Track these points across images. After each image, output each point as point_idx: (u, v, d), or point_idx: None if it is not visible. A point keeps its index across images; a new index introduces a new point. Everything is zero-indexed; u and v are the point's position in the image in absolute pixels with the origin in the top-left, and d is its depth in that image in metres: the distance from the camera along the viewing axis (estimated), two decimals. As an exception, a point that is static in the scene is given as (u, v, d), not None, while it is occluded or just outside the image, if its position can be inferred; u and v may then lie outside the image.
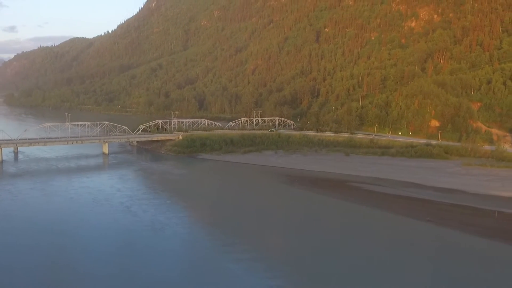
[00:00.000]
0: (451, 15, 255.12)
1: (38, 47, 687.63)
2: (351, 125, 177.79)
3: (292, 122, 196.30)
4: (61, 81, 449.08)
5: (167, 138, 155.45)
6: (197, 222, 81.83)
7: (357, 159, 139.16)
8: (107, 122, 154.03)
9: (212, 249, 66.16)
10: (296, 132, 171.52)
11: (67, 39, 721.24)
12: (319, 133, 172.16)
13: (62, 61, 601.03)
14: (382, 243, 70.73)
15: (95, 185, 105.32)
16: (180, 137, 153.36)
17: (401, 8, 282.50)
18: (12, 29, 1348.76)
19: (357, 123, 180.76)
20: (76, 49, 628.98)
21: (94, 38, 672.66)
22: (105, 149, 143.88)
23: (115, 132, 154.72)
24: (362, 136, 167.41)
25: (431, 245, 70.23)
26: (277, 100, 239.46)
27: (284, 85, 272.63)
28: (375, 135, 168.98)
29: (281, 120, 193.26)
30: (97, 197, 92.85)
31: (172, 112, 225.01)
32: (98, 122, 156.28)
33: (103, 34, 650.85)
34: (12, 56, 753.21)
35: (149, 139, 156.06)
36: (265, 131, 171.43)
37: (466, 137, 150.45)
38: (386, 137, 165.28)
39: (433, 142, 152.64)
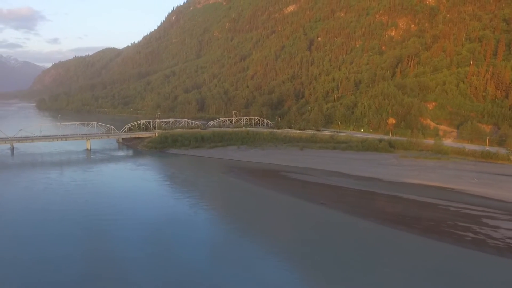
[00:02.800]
0: (426, 24, 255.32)
1: (73, 57, 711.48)
2: (317, 123, 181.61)
3: (269, 121, 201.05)
4: (85, 87, 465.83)
5: (146, 135, 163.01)
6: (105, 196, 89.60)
7: (309, 152, 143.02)
8: (95, 122, 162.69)
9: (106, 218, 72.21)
10: (265, 130, 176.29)
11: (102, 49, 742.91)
12: (286, 130, 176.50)
13: (92, 69, 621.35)
14: (275, 221, 75.95)
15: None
16: (156, 135, 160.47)
17: (383, 18, 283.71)
18: (55, 40, 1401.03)
19: (323, 121, 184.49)
20: (106, 58, 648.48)
21: (123, 48, 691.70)
22: (88, 146, 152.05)
23: (102, 130, 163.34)
24: (326, 133, 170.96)
25: (312, 221, 74.50)
26: (264, 102, 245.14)
27: (275, 88, 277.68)
28: (338, 132, 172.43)
29: (258, 120, 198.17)
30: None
31: (156, 113, 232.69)
32: (87, 122, 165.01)
33: (130, 45, 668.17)
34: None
35: (129, 136, 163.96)
36: (239, 129, 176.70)
37: (416, 133, 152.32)
38: (347, 134, 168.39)
39: (386, 137, 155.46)
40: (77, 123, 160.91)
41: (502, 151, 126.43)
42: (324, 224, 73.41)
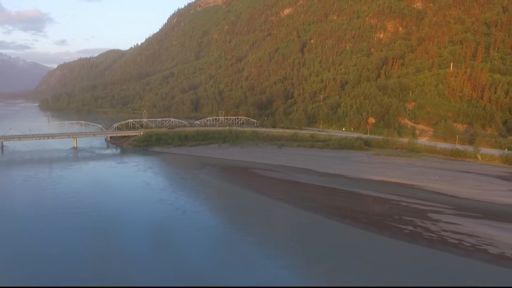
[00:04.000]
0: (413, 27, 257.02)
1: (78, 58, 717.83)
2: (300, 122, 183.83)
3: (255, 121, 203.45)
4: (87, 87, 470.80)
5: (132, 134, 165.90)
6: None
7: (286, 151, 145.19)
8: (84, 121, 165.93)
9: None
10: (248, 129, 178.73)
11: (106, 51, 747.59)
12: (269, 129, 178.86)
13: (96, 70, 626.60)
14: (229, 214, 78.63)
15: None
16: (141, 133, 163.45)
17: (372, 21, 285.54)
18: (62, 42, 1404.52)
19: (306, 121, 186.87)
20: (109, 60, 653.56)
21: (126, 50, 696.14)
22: (75, 144, 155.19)
23: (93, 129, 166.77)
24: (308, 131, 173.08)
25: (264, 214, 77.07)
26: (254, 102, 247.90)
27: (267, 89, 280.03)
28: (320, 131, 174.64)
29: (245, 119, 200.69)
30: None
31: (143, 111, 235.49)
32: (75, 122, 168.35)
33: (133, 46, 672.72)
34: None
35: (115, 135, 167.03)
36: (222, 128, 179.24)
37: (392, 132, 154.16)
38: (327, 133, 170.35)
39: (364, 136, 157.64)
40: (66, 122, 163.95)
41: (471, 149, 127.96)
42: (274, 217, 75.84)
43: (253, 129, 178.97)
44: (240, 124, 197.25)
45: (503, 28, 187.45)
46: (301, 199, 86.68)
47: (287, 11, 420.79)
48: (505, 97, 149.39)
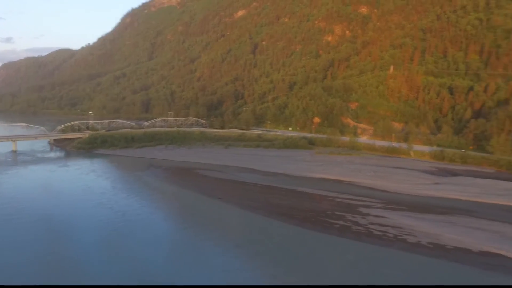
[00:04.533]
0: (359, 31, 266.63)
1: (25, 57, 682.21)
2: (248, 122, 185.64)
3: (204, 121, 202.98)
4: (33, 88, 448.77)
5: (77, 136, 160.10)
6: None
7: (232, 150, 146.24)
8: (25, 124, 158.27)
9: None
10: (196, 130, 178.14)
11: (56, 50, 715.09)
12: (218, 130, 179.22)
13: (44, 70, 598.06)
14: (168, 213, 78.31)
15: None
16: (87, 135, 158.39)
17: (321, 25, 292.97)
18: (8, 40, 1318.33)
19: (254, 121, 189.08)
20: (59, 59, 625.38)
21: (77, 49, 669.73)
22: (14, 147, 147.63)
23: (36, 131, 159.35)
24: (256, 131, 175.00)
25: (202, 213, 77.44)
26: (204, 102, 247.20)
27: (218, 90, 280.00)
28: (267, 131, 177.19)
29: (194, 120, 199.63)
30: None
31: (89, 112, 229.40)
32: (16, 124, 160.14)
33: (84, 46, 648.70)
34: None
35: (58, 137, 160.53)
36: (171, 129, 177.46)
37: (334, 131, 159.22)
38: (274, 132, 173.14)
39: (309, 135, 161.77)
40: (5, 124, 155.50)
41: (405, 146, 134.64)
42: (211, 216, 76.23)
43: (201, 129, 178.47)
44: (190, 125, 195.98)
45: (436, 34, 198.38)
46: (241, 198, 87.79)
47: (240, 13, 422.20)
48: (437, 98, 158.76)
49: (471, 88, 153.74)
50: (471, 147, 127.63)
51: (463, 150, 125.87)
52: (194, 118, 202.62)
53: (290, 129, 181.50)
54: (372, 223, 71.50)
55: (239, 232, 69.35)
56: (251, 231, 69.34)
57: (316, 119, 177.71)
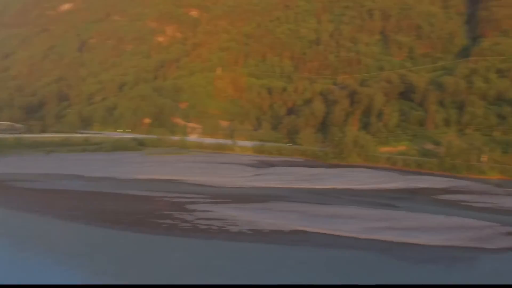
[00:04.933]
0: (189, 33, 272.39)
1: None
2: (74, 125, 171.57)
3: (21, 126, 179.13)
4: None
5: None
6: None
7: (55, 157, 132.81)
8: None
9: None
10: (12, 135, 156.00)
11: None
12: (38, 135, 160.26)
13: None
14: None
15: None
16: None
17: (153, 25, 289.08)
18: None
19: (81, 124, 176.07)
20: None
21: None
22: None
23: None
24: (82, 135, 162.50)
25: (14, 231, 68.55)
26: (22, 105, 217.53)
27: (39, 90, 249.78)
28: (95, 134, 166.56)
29: (8, 124, 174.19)
30: None
31: None
32: None
33: None
34: None
35: None
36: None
37: (164, 131, 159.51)
38: (103, 135, 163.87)
39: (140, 136, 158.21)
40: None
41: (231, 142, 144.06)
42: (18, 231, 67.64)
43: (17, 135, 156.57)
44: (2, 131, 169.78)
45: (257, 40, 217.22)
46: (60, 208, 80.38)
47: (66, 6, 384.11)
48: (258, 97, 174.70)
49: (285, 89, 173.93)
50: (285, 141, 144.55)
51: (280, 144, 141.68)
52: (8, 122, 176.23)
53: (120, 130, 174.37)
54: (199, 218, 74.06)
55: (57, 246, 63.14)
56: (71, 243, 64.15)
57: (147, 120, 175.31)
